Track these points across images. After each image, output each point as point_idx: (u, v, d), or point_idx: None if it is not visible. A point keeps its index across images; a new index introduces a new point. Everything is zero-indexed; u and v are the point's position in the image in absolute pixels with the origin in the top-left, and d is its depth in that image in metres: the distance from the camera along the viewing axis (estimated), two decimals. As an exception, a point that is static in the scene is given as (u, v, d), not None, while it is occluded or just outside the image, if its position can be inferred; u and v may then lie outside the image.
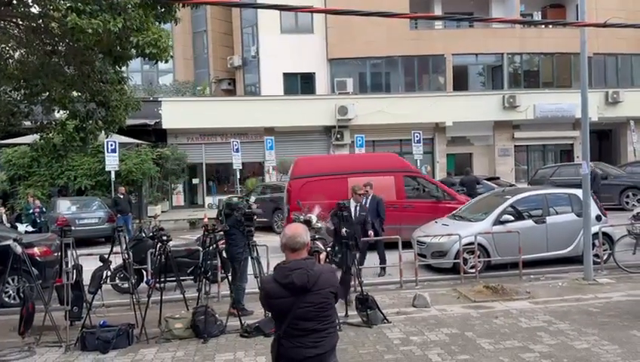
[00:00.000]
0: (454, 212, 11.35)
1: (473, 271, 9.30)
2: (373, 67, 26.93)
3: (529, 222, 10.00)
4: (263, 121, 22.65)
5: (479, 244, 9.43)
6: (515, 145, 25.94)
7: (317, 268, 3.08)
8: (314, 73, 25.93)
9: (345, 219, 7.68)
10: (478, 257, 9.42)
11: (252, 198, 17.34)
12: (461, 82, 26.80)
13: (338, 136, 23.78)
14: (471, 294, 8.08)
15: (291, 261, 3.05)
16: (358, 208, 9.18)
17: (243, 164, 21.14)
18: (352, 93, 24.81)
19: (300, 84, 26.36)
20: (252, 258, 7.75)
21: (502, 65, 27.20)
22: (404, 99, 24.26)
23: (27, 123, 8.74)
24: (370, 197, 9.89)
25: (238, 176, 21.18)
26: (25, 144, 16.09)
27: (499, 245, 9.65)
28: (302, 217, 9.74)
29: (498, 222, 9.86)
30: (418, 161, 20.54)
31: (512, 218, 9.94)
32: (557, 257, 9.93)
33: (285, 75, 25.67)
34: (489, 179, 18.58)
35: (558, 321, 6.66)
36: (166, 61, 7.77)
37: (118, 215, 15.37)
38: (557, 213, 10.22)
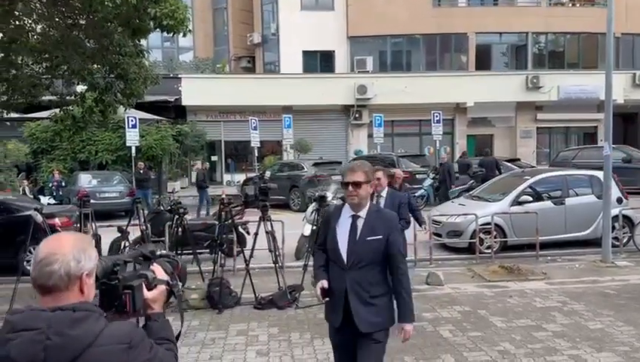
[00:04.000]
0: (471, 192, 11.25)
1: (489, 251, 9.24)
2: (394, 45, 26.57)
3: (548, 203, 9.87)
4: (282, 99, 22.59)
5: (496, 225, 9.35)
6: (538, 127, 25.48)
7: (85, 330, 1.45)
8: (333, 51, 25.70)
9: None
10: (495, 237, 9.36)
11: (267, 173, 17.52)
12: (484, 62, 26.30)
13: (356, 115, 23.64)
14: (486, 274, 8.05)
15: (28, 310, 1.49)
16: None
17: (261, 142, 21.20)
18: (372, 71, 24.56)
19: (320, 62, 26.15)
20: (267, 232, 7.84)
21: (526, 44, 26.59)
22: (424, 79, 23.92)
23: (48, 97, 8.87)
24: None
25: (257, 154, 21.27)
26: (46, 118, 16.38)
27: (516, 226, 9.55)
28: (317, 193, 9.77)
29: (516, 202, 9.75)
30: (437, 141, 20.35)
31: (531, 199, 9.83)
32: (575, 239, 9.80)
33: (305, 52, 25.48)
34: (509, 161, 18.36)
35: (573, 302, 6.61)
36: (184, 35, 7.75)
37: (138, 189, 15.61)
38: (577, 195, 10.06)
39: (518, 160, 19.79)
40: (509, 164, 17.29)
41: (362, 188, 3.16)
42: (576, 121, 25.19)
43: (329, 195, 9.17)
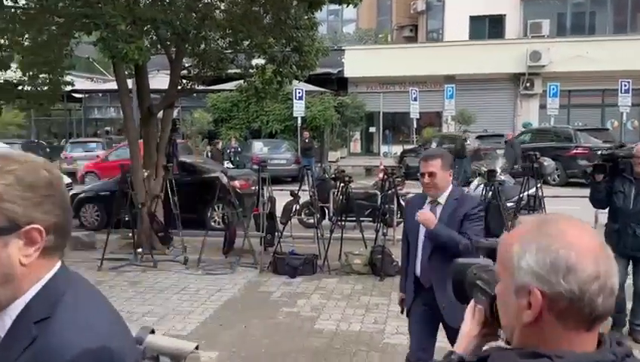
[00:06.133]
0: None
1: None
2: (575, 7, 23.82)
3: None
4: (444, 68, 21.81)
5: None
6: None
7: None
8: (504, 15, 23.92)
9: None
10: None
11: (433, 145, 17.22)
12: (690, 21, 22.36)
13: (527, 84, 21.92)
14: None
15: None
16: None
17: (420, 113, 20.83)
18: (548, 36, 22.41)
19: (488, 27, 24.57)
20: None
21: None
22: (611, 43, 21.15)
23: (233, 70, 9.72)
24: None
25: (415, 126, 20.99)
26: (228, 90, 18.03)
27: None
28: (483, 167, 9.34)
29: None
30: (624, 114, 18.01)
31: None
32: None
33: (472, 18, 24.10)
34: None
35: None
36: (355, 5, 7.87)
37: (303, 157, 16.51)
38: None
39: None
40: None
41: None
42: None
43: (497, 169, 8.72)
